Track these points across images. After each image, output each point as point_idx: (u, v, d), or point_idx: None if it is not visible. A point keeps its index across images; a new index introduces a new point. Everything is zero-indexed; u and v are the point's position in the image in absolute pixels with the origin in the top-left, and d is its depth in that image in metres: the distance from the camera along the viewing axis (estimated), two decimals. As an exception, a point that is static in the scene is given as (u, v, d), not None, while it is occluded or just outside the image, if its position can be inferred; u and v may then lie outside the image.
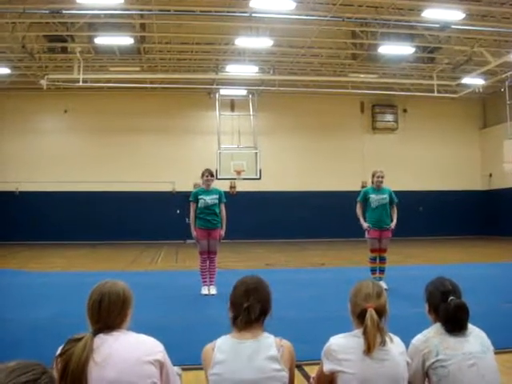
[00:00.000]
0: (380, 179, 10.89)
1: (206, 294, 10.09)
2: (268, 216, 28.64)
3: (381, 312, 3.27)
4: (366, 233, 10.86)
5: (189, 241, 21.53)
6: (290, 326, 6.24)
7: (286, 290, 9.94)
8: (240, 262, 16.99)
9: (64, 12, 18.20)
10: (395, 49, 22.52)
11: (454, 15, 18.74)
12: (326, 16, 19.31)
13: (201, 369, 3.61)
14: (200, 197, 10.30)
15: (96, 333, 3.00)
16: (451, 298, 3.43)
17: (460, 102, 29.47)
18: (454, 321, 3.38)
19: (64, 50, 22.79)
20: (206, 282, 10.27)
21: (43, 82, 23.23)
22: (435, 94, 25.89)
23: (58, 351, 2.84)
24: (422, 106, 30.35)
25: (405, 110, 31.30)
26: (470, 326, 3.45)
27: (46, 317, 8.00)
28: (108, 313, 3.07)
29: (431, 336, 3.40)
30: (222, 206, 10.44)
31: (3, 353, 5.54)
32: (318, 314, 8.14)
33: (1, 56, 22.97)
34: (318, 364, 3.52)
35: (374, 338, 3.15)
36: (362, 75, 27.22)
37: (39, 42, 22.12)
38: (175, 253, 21.47)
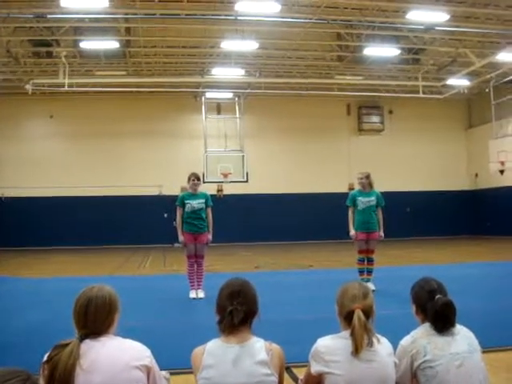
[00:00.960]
0: (360, 180, 10.95)
1: (194, 298, 10.06)
2: (255, 219, 28.66)
3: (368, 313, 3.28)
4: (355, 233, 10.88)
5: (176, 244, 21.46)
6: (277, 328, 6.24)
7: (274, 293, 9.93)
8: (228, 265, 16.96)
9: (49, 16, 18.15)
10: (380, 50, 22.62)
11: (438, 17, 18.86)
12: (311, 18, 19.39)
13: (190, 373, 3.60)
14: (186, 201, 10.26)
15: (82, 338, 2.97)
16: (438, 296, 3.45)
17: (445, 102, 29.59)
18: (443, 319, 3.39)
19: (49, 55, 22.72)
20: (193, 285, 10.25)
21: (28, 87, 23.12)
22: (420, 95, 26.02)
23: (45, 358, 2.82)
24: (407, 107, 30.49)
25: (391, 112, 31.43)
26: (458, 326, 3.46)
27: (34, 323, 7.95)
28: (94, 318, 3.04)
29: (419, 337, 3.40)
30: (209, 210, 10.41)
31: (-10, 360, 5.51)
32: (306, 316, 8.15)
33: (-15, 61, 22.88)
34: (306, 366, 3.52)
35: (361, 338, 3.15)
36: (347, 77, 27.31)
37: (24, 46, 22.03)
38: (163, 257, 21.43)
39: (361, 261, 10.85)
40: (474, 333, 3.52)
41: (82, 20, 19.52)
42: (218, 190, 27.92)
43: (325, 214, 27.90)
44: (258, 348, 3.21)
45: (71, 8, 17.68)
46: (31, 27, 20.31)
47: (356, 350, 3.14)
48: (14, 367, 1.59)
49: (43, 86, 24.50)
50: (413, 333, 3.47)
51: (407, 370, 3.37)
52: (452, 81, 25.92)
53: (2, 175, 27.55)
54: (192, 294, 10.16)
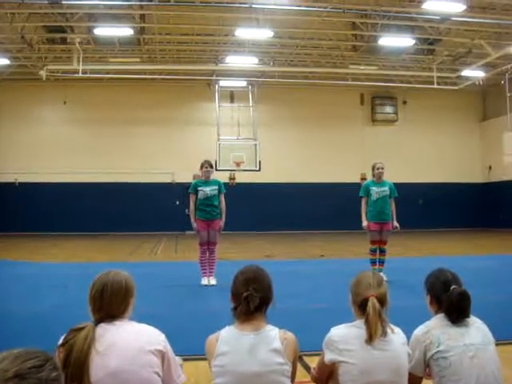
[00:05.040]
0: (380, 170, 10.92)
1: (205, 285, 10.13)
2: (267, 207, 28.65)
3: (382, 301, 3.27)
4: (367, 225, 10.87)
5: (188, 232, 21.55)
6: (289, 316, 6.23)
7: (285, 281, 9.93)
8: (240, 253, 17.00)
9: (63, 2, 18.12)
10: (395, 41, 22.47)
11: (454, 7, 18.70)
12: (326, 7, 19.26)
13: (201, 359, 3.61)
14: (199, 188, 10.33)
15: (98, 322, 3.00)
16: (453, 286, 3.45)
17: (460, 94, 29.43)
18: (458, 309, 3.39)
19: (63, 41, 22.73)
20: (205, 272, 10.31)
21: (42, 73, 23.18)
22: (435, 86, 25.84)
23: (60, 341, 2.84)
24: (421, 98, 30.30)
25: (404, 102, 31.27)
26: (473, 318, 3.46)
27: (46, 307, 8.01)
28: (110, 302, 3.07)
29: (433, 327, 3.40)
30: (222, 197, 10.47)
31: (5, 343, 5.54)
32: (318, 305, 8.16)
33: (0, 47, 22.90)
34: (318, 355, 3.52)
35: (375, 326, 3.15)
36: (361, 67, 27.18)
37: (38, 32, 22.05)
38: (175, 244, 21.50)
39: (373, 251, 10.85)
40: (488, 325, 3.51)
41: (96, 6, 19.50)
42: (231, 179, 27.91)
43: (337, 203, 27.87)
44: (273, 336, 3.21)
45: (86, -6, 17.69)
46: (45, 13, 20.30)
47: (370, 338, 3.14)
48: (33, 348, 1.60)
49: (57, 73, 24.57)
50: (427, 323, 3.47)
51: (420, 360, 3.37)
52: (467, 72, 25.73)
53: (16, 161, 27.67)
54: (204, 281, 10.23)
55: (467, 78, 26.70)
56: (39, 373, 1.51)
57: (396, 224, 10.88)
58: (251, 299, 3.21)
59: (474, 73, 25.85)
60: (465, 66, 25.44)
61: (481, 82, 26.68)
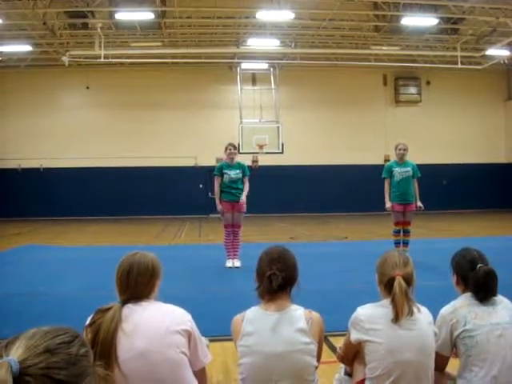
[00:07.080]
0: (402, 151, 10.86)
1: (230, 267, 10.20)
2: (290, 190, 28.60)
3: (408, 280, 3.27)
4: (391, 206, 10.84)
5: (212, 215, 21.61)
6: (315, 297, 6.25)
7: (309, 263, 9.91)
8: (263, 236, 17.04)
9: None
10: (418, 20, 22.15)
11: (478, -16, 18.42)
12: (347, -13, 19.08)
13: (227, 340, 3.62)
14: (224, 171, 10.38)
15: (124, 303, 3.03)
16: (479, 265, 3.42)
17: (484, 73, 29.00)
18: (484, 288, 3.37)
19: (85, 26, 22.74)
20: (230, 255, 10.37)
21: (65, 59, 23.22)
22: (459, 66, 25.47)
23: (87, 321, 2.88)
24: (445, 78, 29.95)
25: (428, 83, 30.93)
26: (500, 297, 3.44)
27: (72, 290, 8.11)
28: (136, 283, 3.10)
29: (459, 306, 3.39)
30: (246, 180, 10.51)
31: (31, 325, 5.61)
32: (343, 286, 8.17)
33: (22, 33, 22.99)
34: (344, 335, 3.53)
35: (402, 305, 3.15)
36: (384, 47, 26.89)
37: (60, 18, 22.09)
38: (198, 227, 21.57)
39: (397, 232, 10.83)
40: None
41: (117, -9, 19.51)
42: (253, 161, 27.87)
43: (360, 185, 27.72)
44: (298, 316, 3.22)
45: (107, -22, 17.68)
46: (67, -2, 20.37)
47: (396, 317, 3.14)
48: (62, 326, 1.62)
49: (79, 58, 24.60)
50: (453, 302, 3.46)
51: (447, 340, 3.37)
52: (491, 51, 25.31)
53: (40, 146, 27.86)
54: (228, 263, 10.30)
55: (492, 57, 26.30)
56: (69, 348, 1.54)
57: (420, 204, 10.82)
58: (274, 278, 3.21)
59: (499, 52, 25.43)
60: (489, 45, 25.02)
61: (505, 61, 26.25)
